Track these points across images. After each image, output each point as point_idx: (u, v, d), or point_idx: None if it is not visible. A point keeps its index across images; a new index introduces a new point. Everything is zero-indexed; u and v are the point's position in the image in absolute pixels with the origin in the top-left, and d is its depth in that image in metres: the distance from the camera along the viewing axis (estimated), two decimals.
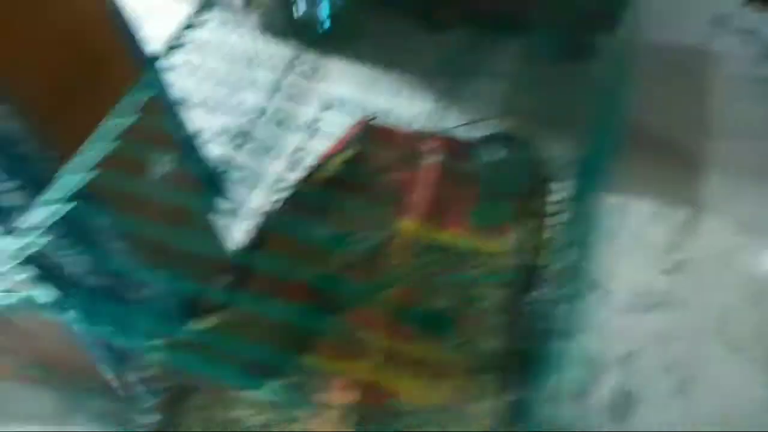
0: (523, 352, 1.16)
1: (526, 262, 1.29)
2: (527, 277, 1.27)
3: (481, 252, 1.31)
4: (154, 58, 1.15)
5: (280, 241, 1.32)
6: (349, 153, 1.45)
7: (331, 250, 1.30)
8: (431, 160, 1.45)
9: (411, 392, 1.14)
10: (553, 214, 1.32)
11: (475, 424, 1.10)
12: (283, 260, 1.06)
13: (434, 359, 1.18)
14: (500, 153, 1.41)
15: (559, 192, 1.40)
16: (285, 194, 1.37)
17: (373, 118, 1.48)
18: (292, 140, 1.88)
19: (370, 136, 1.48)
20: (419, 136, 1.49)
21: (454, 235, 1.31)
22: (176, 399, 1.10)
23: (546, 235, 1.32)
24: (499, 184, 1.36)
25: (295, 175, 1.42)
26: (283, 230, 1.30)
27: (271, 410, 1.09)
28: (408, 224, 1.31)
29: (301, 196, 1.38)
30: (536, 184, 1.40)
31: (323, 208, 1.33)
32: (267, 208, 1.36)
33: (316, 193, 1.38)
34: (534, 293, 1.23)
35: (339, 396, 1.11)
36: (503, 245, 1.30)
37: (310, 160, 1.45)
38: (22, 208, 0.85)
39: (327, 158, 1.44)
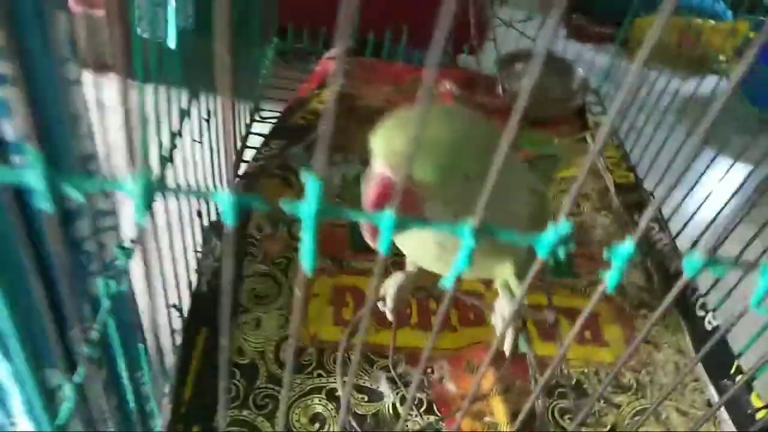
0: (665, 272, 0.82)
1: (612, 179, 0.98)
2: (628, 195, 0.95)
3: (561, 176, 0.96)
4: None
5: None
6: (327, 92, 1.04)
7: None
8: (440, 89, 1.10)
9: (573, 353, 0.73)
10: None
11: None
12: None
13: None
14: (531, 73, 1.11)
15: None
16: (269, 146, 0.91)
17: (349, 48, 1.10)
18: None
19: (353, 71, 1.10)
20: (415, 69, 1.14)
21: None
22: None
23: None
24: (541, 109, 1.05)
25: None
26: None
27: None
28: None
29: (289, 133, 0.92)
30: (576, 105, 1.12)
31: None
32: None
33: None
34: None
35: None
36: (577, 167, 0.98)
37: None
38: None
39: (301, 101, 1.01)
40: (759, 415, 0.67)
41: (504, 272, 0.56)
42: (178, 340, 0.65)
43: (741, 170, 0.81)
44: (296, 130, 0.96)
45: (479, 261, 0.51)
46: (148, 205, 0.22)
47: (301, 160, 0.89)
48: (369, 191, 0.41)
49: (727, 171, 0.83)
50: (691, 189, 0.86)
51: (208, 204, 0.74)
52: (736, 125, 0.89)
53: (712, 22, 1.89)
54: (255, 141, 0.95)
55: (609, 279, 0.25)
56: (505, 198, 0.45)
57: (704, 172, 0.85)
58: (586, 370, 0.72)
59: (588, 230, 0.90)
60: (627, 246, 0.23)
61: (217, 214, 0.76)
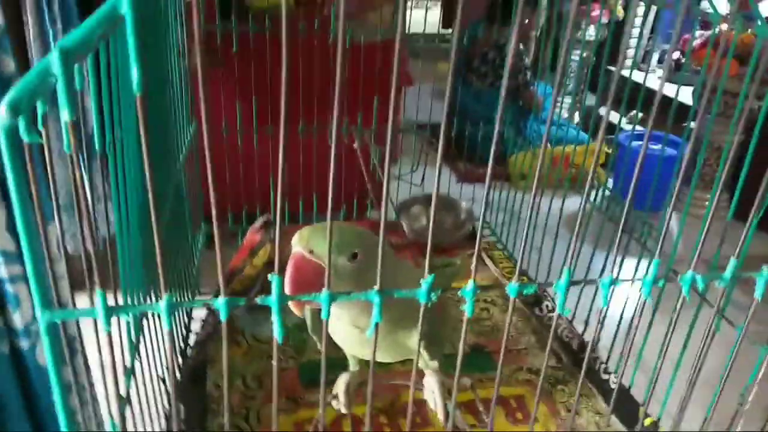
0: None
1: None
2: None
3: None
4: None
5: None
6: (261, 254, 1.19)
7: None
8: None
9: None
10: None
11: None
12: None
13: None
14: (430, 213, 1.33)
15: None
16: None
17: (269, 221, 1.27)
18: None
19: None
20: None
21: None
22: None
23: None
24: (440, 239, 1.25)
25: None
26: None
27: None
28: None
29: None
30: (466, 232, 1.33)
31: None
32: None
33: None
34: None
35: None
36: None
37: None
38: None
39: (235, 269, 1.15)
40: None
41: (414, 346, 0.69)
42: None
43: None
44: (235, 294, 1.08)
45: (391, 340, 0.65)
46: None
47: (245, 321, 1.00)
48: (287, 271, 0.55)
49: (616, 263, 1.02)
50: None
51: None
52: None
53: (573, 147, 2.25)
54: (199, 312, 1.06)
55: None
56: (396, 281, 0.60)
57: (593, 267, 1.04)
58: None
59: (500, 330, 1.05)
60: None
61: (179, 378, 0.84)
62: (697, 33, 2.44)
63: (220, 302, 0.37)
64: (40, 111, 0.33)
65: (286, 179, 0.36)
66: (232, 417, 0.84)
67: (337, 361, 0.80)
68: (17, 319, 0.70)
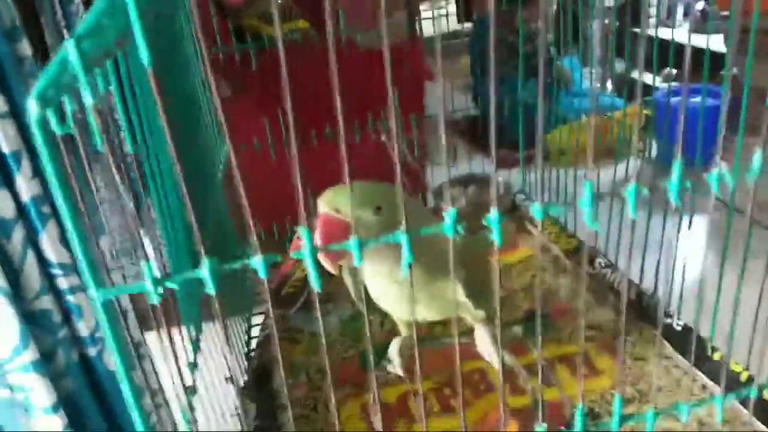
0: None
1: (560, 249, 1.15)
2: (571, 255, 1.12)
3: (513, 262, 1.13)
4: None
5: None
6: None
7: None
8: None
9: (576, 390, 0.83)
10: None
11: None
12: None
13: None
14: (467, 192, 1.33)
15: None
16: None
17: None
18: None
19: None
20: None
21: None
22: None
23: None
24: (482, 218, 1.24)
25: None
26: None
27: None
28: None
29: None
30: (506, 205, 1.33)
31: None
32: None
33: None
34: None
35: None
36: (526, 251, 1.15)
37: None
38: None
39: (286, 275, 1.18)
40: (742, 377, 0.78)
41: (459, 297, 0.70)
42: None
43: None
44: (289, 297, 1.11)
45: (430, 293, 0.66)
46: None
47: (300, 319, 1.03)
48: (317, 229, 0.58)
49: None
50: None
51: (240, 366, 0.86)
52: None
53: (610, 114, 2.21)
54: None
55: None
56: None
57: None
58: (593, 398, 0.81)
59: (554, 292, 1.04)
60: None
61: (247, 376, 0.87)
62: None
63: (257, 261, 0.39)
64: (68, 108, 0.36)
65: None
66: (298, 407, 0.87)
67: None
68: (82, 328, 0.75)
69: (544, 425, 0.48)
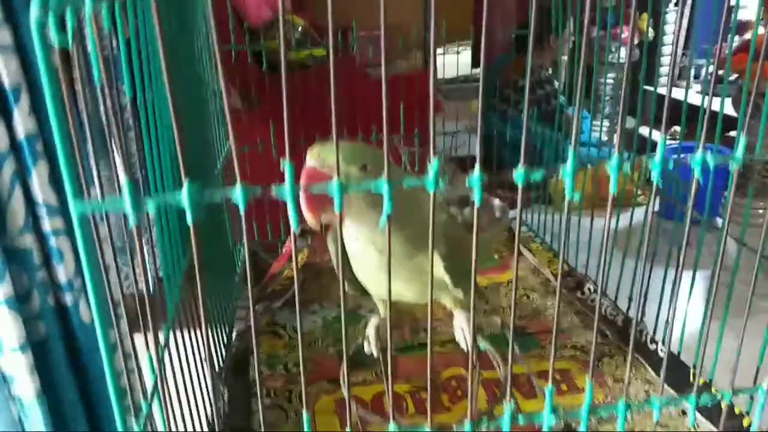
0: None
1: (549, 271, 1.15)
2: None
3: (502, 280, 1.13)
4: None
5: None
6: (300, 259, 1.22)
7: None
8: None
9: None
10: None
11: None
12: None
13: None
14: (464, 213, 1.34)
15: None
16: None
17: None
18: None
19: (312, 244, 1.29)
20: None
21: None
22: None
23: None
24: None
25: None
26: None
27: None
28: None
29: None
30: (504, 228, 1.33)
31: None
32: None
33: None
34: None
35: None
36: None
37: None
38: None
39: (274, 275, 1.18)
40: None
41: (438, 271, 0.69)
42: None
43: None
44: (276, 294, 1.11)
45: (411, 267, 0.66)
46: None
47: (284, 316, 1.03)
48: (301, 179, 0.58)
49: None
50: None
51: (218, 348, 0.85)
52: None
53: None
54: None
55: None
56: (414, 203, 0.61)
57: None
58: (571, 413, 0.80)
59: (541, 313, 1.04)
60: None
61: (222, 361, 0.86)
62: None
63: (238, 192, 0.39)
64: (70, 22, 0.37)
65: None
66: (273, 397, 0.85)
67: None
68: (61, 273, 0.73)
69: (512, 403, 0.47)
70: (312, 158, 0.60)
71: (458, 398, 0.83)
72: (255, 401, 0.85)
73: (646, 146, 2.10)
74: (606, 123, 3.26)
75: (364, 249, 0.66)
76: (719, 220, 1.83)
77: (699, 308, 0.79)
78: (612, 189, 0.42)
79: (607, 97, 3.26)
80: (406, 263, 0.67)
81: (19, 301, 0.71)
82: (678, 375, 0.83)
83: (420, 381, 0.86)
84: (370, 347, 0.79)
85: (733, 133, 2.03)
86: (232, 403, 0.83)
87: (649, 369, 0.88)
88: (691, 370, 0.82)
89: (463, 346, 0.78)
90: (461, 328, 0.76)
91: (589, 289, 1.09)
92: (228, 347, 0.97)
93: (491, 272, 1.17)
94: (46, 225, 0.71)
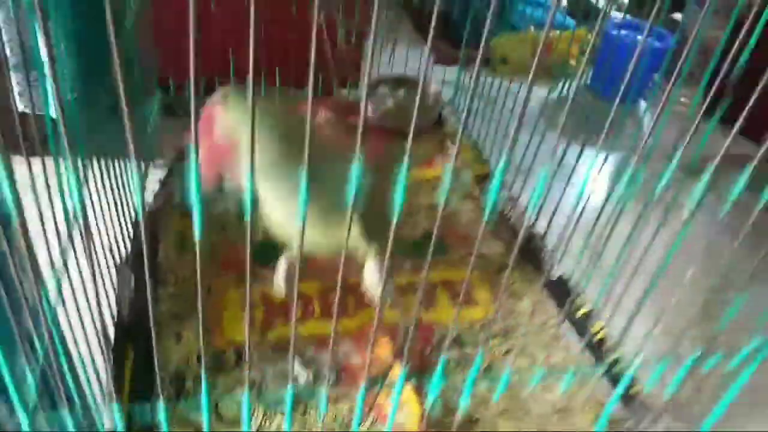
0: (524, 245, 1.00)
1: (471, 174, 1.16)
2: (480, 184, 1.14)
3: (426, 178, 1.14)
4: None
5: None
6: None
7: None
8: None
9: (450, 316, 0.88)
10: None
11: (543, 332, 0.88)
12: None
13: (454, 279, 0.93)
14: (398, 95, 1.29)
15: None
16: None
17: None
18: None
19: None
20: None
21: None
22: None
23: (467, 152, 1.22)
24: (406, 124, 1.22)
25: None
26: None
27: None
28: None
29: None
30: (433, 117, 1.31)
31: None
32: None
33: None
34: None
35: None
36: (442, 169, 1.15)
37: None
38: None
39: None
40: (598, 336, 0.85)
41: (354, 233, 0.70)
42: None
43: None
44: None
45: (326, 226, 0.66)
46: None
47: None
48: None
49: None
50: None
51: (121, 241, 0.83)
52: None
53: (558, 32, 2.14)
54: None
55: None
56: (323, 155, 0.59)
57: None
58: (463, 326, 0.86)
59: (456, 215, 1.07)
60: None
61: (130, 249, 0.85)
62: None
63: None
64: None
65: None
66: (179, 284, 0.86)
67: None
68: None
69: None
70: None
71: (363, 305, 0.87)
72: (161, 287, 0.86)
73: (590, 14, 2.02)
74: None
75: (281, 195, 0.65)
76: (642, 104, 1.82)
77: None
78: None
79: None
80: (323, 219, 0.65)
81: None
82: (565, 298, 0.90)
83: (332, 281, 0.89)
84: (280, 291, 0.80)
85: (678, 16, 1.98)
86: (137, 287, 0.83)
87: (543, 288, 0.95)
88: (576, 299, 0.89)
89: (372, 292, 0.78)
90: (369, 278, 0.76)
91: (503, 195, 1.11)
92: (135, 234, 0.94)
93: (416, 166, 1.17)
94: None
